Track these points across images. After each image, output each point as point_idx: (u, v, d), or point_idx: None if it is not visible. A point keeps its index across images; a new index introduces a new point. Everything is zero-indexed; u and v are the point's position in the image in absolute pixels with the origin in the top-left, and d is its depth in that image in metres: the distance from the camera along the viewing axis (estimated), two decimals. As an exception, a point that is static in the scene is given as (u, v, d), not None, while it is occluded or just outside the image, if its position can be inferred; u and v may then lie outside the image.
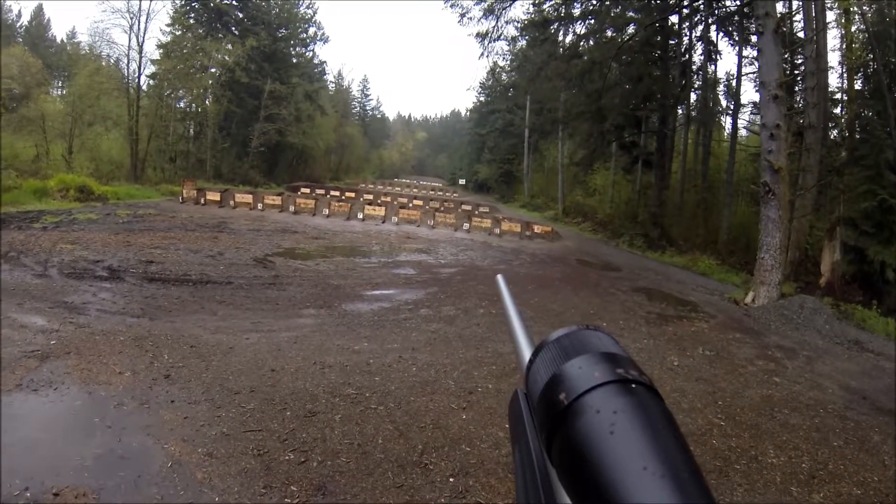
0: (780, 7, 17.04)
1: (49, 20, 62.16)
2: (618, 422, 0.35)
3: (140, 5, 36.03)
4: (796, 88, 20.34)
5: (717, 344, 8.89)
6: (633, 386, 0.39)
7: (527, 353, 0.51)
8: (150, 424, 4.48)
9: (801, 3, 19.16)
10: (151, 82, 34.27)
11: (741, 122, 26.21)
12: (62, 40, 57.21)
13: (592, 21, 23.26)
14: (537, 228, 22.88)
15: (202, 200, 22.80)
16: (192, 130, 37.94)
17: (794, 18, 20.62)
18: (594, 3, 23.19)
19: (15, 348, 5.72)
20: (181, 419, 4.62)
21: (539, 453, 0.44)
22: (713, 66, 26.50)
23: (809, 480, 4.70)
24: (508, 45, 30.70)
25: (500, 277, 0.76)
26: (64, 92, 38.69)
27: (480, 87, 63.17)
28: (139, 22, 31.25)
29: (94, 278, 9.32)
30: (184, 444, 4.23)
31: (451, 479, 4.14)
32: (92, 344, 6.12)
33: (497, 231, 22.46)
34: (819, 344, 9.77)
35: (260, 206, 22.94)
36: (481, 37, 23.10)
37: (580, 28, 24.17)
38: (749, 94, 54.47)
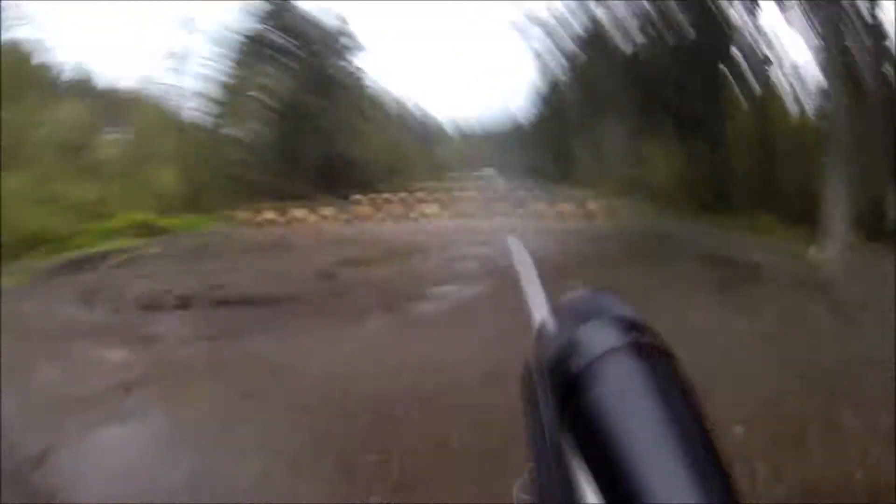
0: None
1: (90, 74, 64.74)
2: (631, 387, 0.35)
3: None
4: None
5: (785, 304, 8.57)
6: (648, 351, 0.38)
7: (540, 318, 0.50)
8: (233, 444, 4.59)
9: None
10: (200, 114, 35.32)
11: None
12: (110, 87, 59.56)
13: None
14: (591, 206, 22.55)
15: (259, 221, 23.32)
16: (243, 155, 38.90)
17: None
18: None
19: (100, 382, 5.95)
20: (262, 436, 4.71)
21: (551, 421, 0.42)
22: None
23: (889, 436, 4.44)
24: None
25: (512, 239, 0.72)
26: (117, 135, 40.30)
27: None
28: (182, 60, 32.19)
29: (165, 308, 9.63)
30: (267, 459, 4.32)
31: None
32: (171, 372, 6.32)
33: (552, 213, 22.24)
34: (892, 296, 9.25)
35: (315, 219, 23.30)
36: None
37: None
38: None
